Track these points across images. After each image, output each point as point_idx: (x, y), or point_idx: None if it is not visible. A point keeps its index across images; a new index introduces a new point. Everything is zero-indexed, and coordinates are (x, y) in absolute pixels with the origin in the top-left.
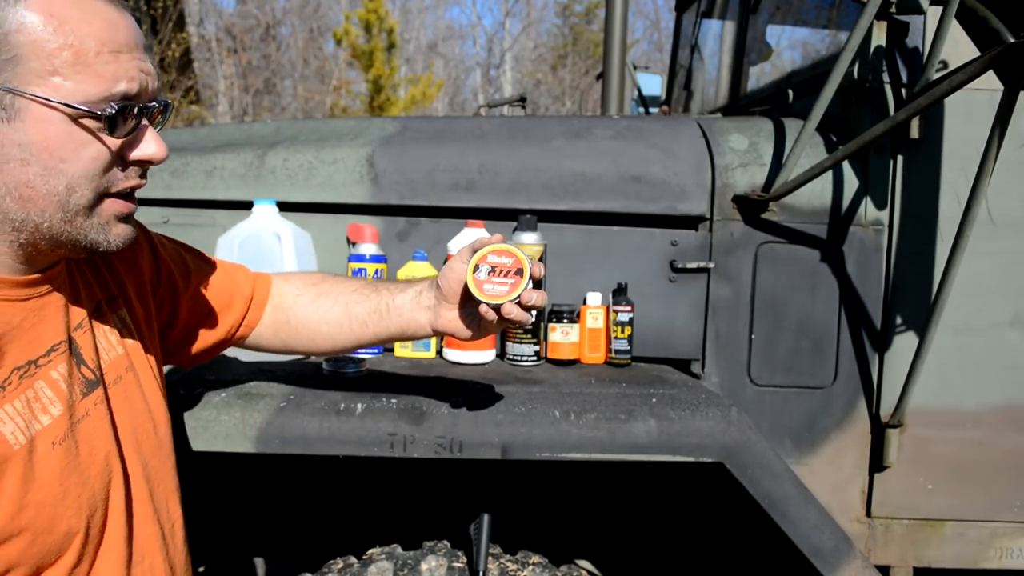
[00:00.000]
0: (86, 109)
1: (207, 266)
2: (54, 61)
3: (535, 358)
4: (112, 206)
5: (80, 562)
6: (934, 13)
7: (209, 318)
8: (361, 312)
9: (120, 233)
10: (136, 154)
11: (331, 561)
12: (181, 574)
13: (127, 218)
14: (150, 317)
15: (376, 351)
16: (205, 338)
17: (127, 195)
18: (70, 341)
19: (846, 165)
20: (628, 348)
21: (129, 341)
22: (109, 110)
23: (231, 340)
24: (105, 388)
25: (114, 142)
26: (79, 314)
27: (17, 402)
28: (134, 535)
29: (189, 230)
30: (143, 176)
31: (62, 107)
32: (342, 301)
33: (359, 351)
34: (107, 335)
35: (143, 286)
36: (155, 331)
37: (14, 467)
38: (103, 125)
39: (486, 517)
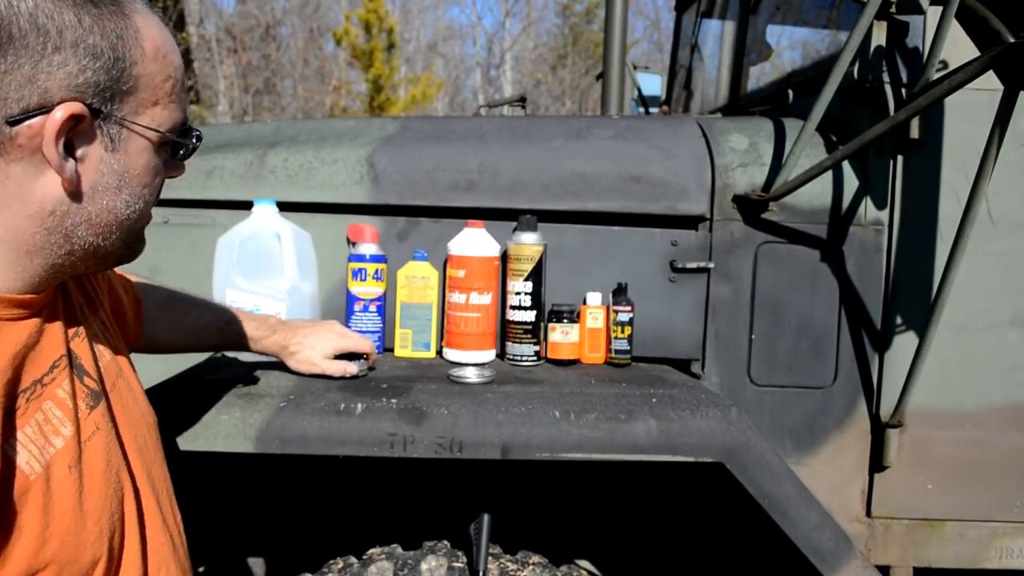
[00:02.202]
0: (177, 139)
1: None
2: (158, 92)
3: (535, 358)
4: (148, 223)
5: None
6: (934, 13)
7: (124, 322)
8: (211, 343)
9: (143, 248)
10: (169, 173)
11: (331, 561)
12: None
13: None
14: (112, 319)
15: (376, 349)
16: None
17: None
18: (69, 353)
19: (846, 165)
20: (628, 348)
21: (113, 343)
22: (194, 140)
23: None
24: (107, 398)
25: (162, 165)
26: (72, 322)
27: (28, 428)
28: (148, 549)
29: (189, 230)
30: None
31: (162, 135)
32: (194, 335)
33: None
34: (96, 340)
35: (104, 286)
36: (120, 333)
37: (33, 498)
38: (173, 152)
39: (486, 517)
